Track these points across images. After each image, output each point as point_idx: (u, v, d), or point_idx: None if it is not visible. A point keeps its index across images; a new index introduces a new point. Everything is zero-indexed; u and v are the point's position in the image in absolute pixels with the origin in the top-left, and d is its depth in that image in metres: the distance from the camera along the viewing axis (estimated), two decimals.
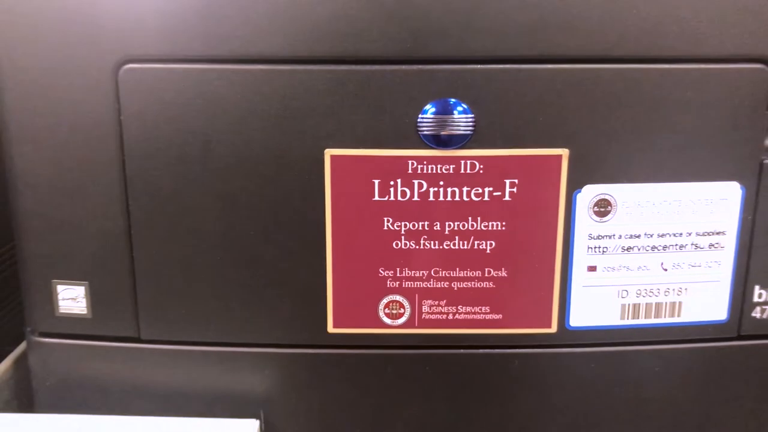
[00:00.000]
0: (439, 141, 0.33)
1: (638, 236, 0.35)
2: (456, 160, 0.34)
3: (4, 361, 0.41)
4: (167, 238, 0.35)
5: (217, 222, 0.35)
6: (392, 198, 0.34)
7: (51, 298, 0.37)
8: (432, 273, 0.35)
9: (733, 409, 0.39)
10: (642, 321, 0.36)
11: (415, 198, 0.34)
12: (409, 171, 0.34)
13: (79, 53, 0.33)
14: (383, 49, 0.32)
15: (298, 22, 0.32)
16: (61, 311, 0.37)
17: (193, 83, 0.33)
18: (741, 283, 0.36)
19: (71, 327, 0.38)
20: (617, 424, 0.39)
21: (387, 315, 0.36)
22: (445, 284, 0.36)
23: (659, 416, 0.39)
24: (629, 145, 0.34)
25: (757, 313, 0.37)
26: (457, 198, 0.34)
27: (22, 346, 0.43)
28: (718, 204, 0.35)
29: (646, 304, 0.36)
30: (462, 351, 0.37)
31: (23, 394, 0.42)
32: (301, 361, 0.37)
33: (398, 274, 0.35)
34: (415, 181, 0.34)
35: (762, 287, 0.37)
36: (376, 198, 0.34)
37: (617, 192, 0.34)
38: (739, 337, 0.37)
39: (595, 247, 0.35)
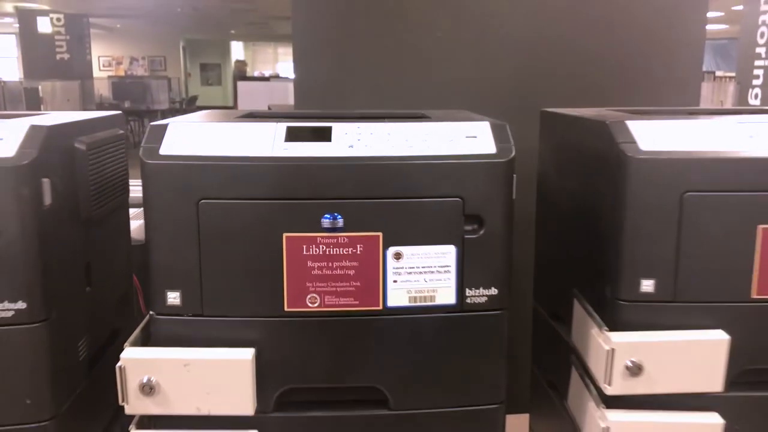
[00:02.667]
0: (330, 230, 0.83)
1: (413, 267, 0.85)
2: (336, 237, 0.83)
3: (137, 329, 0.89)
4: (214, 278, 0.84)
5: (238, 273, 0.84)
6: (312, 253, 0.84)
7: (164, 297, 0.85)
8: (328, 284, 0.85)
9: (460, 355, 0.88)
10: (418, 303, 0.86)
11: (320, 253, 0.84)
12: (318, 242, 0.83)
13: (179, 194, 0.82)
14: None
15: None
16: (168, 303, 0.85)
17: (236, 211, 0.83)
18: (461, 287, 0.86)
19: (171, 311, 0.86)
20: (403, 355, 0.88)
21: (310, 302, 0.85)
22: (334, 289, 0.85)
23: (425, 352, 0.88)
24: (409, 228, 0.84)
25: (468, 300, 0.87)
26: (338, 251, 0.84)
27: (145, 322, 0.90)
28: (444, 256, 0.85)
29: (419, 296, 0.86)
30: (343, 318, 0.86)
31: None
32: (273, 324, 0.86)
33: (314, 285, 0.85)
34: (321, 246, 0.83)
35: (470, 288, 0.87)
36: (304, 253, 0.84)
37: (404, 249, 0.85)
38: (461, 311, 0.87)
39: (394, 270, 0.85)
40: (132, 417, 0.87)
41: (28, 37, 16.44)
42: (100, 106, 13.08)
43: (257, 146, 0.84)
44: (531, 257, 1.33)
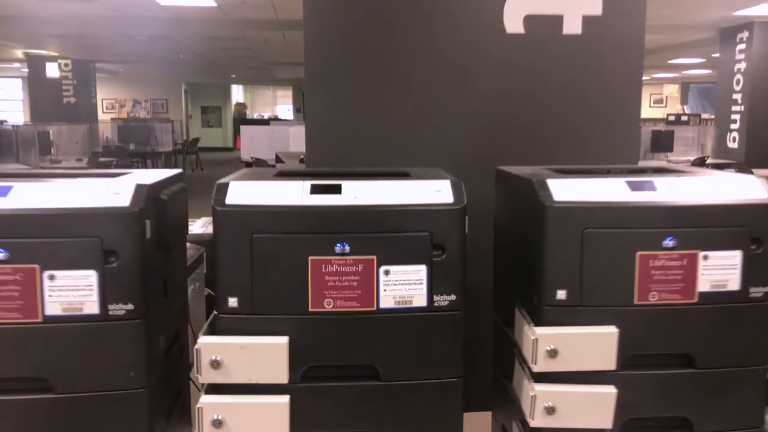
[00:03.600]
0: (341, 254, 1.22)
1: (398, 280, 1.24)
2: (344, 260, 1.22)
3: (205, 324, 1.27)
4: (261, 288, 1.23)
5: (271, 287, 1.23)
6: (328, 270, 1.23)
7: (226, 301, 1.23)
8: (339, 292, 1.23)
9: (430, 342, 1.27)
10: (401, 305, 1.25)
11: (334, 270, 1.23)
12: (332, 263, 1.22)
13: (239, 230, 1.21)
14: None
15: None
16: (229, 305, 1.24)
17: (277, 242, 1.22)
18: (431, 294, 1.25)
19: (230, 311, 1.24)
20: (390, 341, 1.26)
21: (326, 305, 1.24)
22: (343, 295, 1.24)
23: (405, 340, 1.26)
24: (395, 253, 1.23)
25: (435, 303, 1.25)
26: (346, 269, 1.23)
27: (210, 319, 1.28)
28: (419, 273, 1.24)
29: (402, 300, 1.25)
30: (348, 316, 1.25)
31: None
32: (300, 320, 1.24)
33: (329, 292, 1.23)
34: (335, 266, 1.22)
35: (437, 294, 1.25)
36: (323, 270, 1.23)
37: (391, 268, 1.23)
38: (431, 311, 1.26)
39: (384, 282, 1.24)
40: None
41: (36, 81, 17.01)
42: (106, 149, 13.54)
43: (291, 197, 1.24)
44: (491, 277, 1.72)
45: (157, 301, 1.31)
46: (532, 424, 1.29)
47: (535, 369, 1.28)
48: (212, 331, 1.25)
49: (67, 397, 1.20)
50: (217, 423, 1.21)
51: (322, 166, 1.96)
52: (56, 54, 16.74)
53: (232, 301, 1.23)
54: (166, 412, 1.37)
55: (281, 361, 1.22)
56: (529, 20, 2.11)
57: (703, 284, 1.30)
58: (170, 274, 1.40)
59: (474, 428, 1.72)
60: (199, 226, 3.12)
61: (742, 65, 11.37)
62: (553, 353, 1.27)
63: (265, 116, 27.60)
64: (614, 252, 1.28)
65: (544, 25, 2.11)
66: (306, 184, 1.27)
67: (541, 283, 1.30)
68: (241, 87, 29.90)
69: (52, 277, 1.17)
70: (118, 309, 1.20)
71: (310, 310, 1.24)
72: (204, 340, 1.22)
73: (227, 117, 27.57)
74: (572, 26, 2.13)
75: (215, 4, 8.72)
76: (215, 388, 1.24)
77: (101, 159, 11.33)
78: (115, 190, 1.21)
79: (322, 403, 1.26)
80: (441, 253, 1.24)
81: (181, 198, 1.45)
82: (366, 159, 2.00)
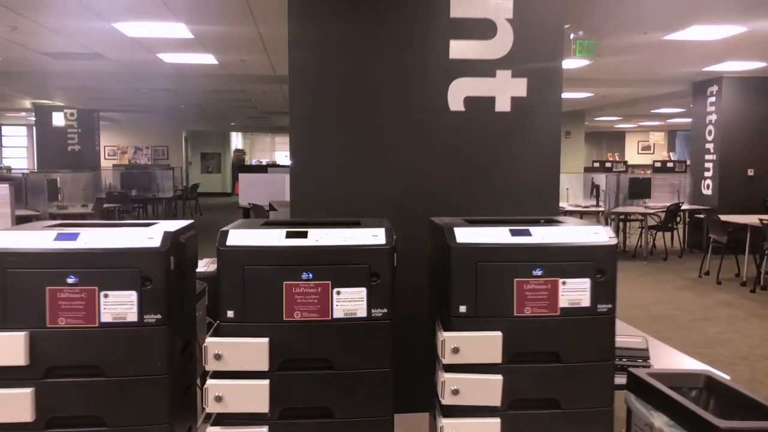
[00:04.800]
0: (306, 280, 1.76)
1: (346, 298, 1.77)
2: (308, 284, 1.76)
3: (210, 331, 1.80)
4: (250, 304, 1.76)
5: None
6: (297, 291, 1.76)
7: (226, 313, 1.76)
8: (305, 307, 1.77)
9: (368, 343, 1.80)
10: (348, 316, 1.78)
11: (301, 291, 1.76)
12: (300, 286, 1.76)
13: (235, 263, 1.75)
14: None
15: None
16: (227, 316, 1.77)
17: (262, 271, 1.76)
18: (369, 307, 1.78)
19: (228, 320, 1.77)
20: (341, 341, 1.79)
21: (296, 315, 1.77)
22: (307, 309, 1.77)
23: (351, 341, 1.79)
24: (344, 279, 1.77)
25: (372, 314, 1.79)
26: (309, 291, 1.76)
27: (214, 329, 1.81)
28: (360, 293, 1.78)
29: (348, 312, 1.78)
30: (311, 324, 1.78)
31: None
32: (277, 327, 1.77)
33: (297, 307, 1.77)
34: (302, 288, 1.76)
35: (373, 308, 1.78)
36: (293, 291, 1.76)
37: (342, 290, 1.77)
38: (369, 320, 1.79)
39: (336, 299, 1.77)
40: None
41: (43, 129, 17.70)
42: (109, 195, 14.12)
43: (272, 240, 1.79)
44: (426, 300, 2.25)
45: (177, 313, 1.84)
46: (443, 402, 1.81)
47: (444, 362, 1.81)
48: (215, 334, 1.78)
49: (114, 379, 1.72)
50: (218, 398, 1.73)
51: (305, 211, 2.53)
52: (62, 104, 17.41)
53: (230, 313, 1.77)
54: (180, 396, 1.89)
55: (263, 355, 1.75)
56: (469, 100, 2.71)
57: (563, 302, 1.84)
58: (185, 295, 1.93)
59: (414, 427, 2.24)
60: (202, 265, 3.66)
61: (713, 116, 12.09)
62: (456, 350, 1.80)
63: (264, 162, 28.30)
64: (499, 279, 1.82)
65: (480, 104, 2.71)
66: (282, 231, 1.82)
67: (448, 301, 1.84)
68: (240, 134, 30.66)
69: (106, 296, 1.71)
70: (150, 318, 1.73)
71: (284, 319, 1.77)
72: (210, 340, 1.75)
73: (226, 163, 28.26)
74: (503, 105, 2.73)
75: (216, 62, 9.42)
76: (216, 375, 1.76)
77: (105, 205, 11.89)
78: (149, 236, 1.76)
79: (293, 385, 1.79)
80: (376, 279, 1.78)
81: (193, 241, 1.99)
82: (337, 207, 2.56)
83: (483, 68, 2.69)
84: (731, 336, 6.49)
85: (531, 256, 1.83)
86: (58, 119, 16.89)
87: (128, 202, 13.66)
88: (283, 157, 28.36)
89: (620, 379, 1.94)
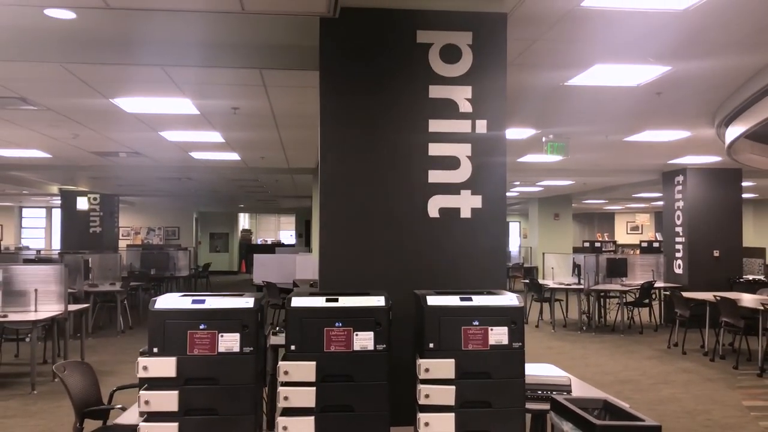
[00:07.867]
0: (339, 327, 2.98)
1: (361, 336, 2.99)
2: (339, 328, 2.98)
3: (282, 356, 3.00)
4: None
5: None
6: (332, 333, 2.98)
7: (290, 347, 2.97)
8: (337, 343, 2.99)
9: (374, 367, 3.00)
10: (364, 349, 2.99)
11: (334, 333, 2.98)
12: (334, 331, 2.98)
13: (298, 317, 2.98)
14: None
15: None
16: (291, 349, 2.98)
17: (315, 322, 2.99)
18: (375, 344, 3.00)
19: (292, 351, 2.98)
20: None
21: (332, 348, 2.98)
22: (339, 344, 2.98)
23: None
24: (358, 325, 2.99)
25: (377, 348, 3.00)
26: (339, 333, 2.98)
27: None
28: (369, 335, 3.00)
29: (363, 347, 2.99)
30: (341, 353, 2.99)
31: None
32: (320, 355, 2.98)
33: (333, 343, 2.98)
34: (335, 331, 2.98)
35: (377, 344, 3.00)
36: (330, 334, 2.98)
37: (359, 333, 2.99)
38: (375, 352, 3.00)
39: (355, 339, 2.99)
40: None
41: (68, 213, 19.08)
42: (132, 273, 15.36)
43: (318, 303, 3.02)
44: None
45: (260, 348, 3.06)
46: (420, 402, 3.00)
47: (420, 377, 3.01)
48: (285, 359, 3.00)
49: (224, 386, 2.92)
50: (286, 398, 2.93)
51: (333, 285, 3.78)
52: (86, 189, 18.81)
53: (293, 347, 2.98)
54: (258, 398, 3.09)
55: (312, 372, 2.95)
56: (442, 210, 3.99)
57: (492, 341, 3.05)
58: (263, 336, 3.16)
59: None
60: None
61: (681, 203, 13.45)
62: (427, 370, 3.00)
63: (269, 241, 29.59)
64: (453, 327, 3.04)
65: (450, 213, 3.99)
66: (323, 298, 3.06)
67: (423, 340, 3.05)
68: (247, 214, 32.10)
69: (222, 336, 2.93)
70: (246, 350, 2.95)
71: (324, 350, 2.99)
72: (282, 363, 2.96)
73: (234, 242, 29.54)
74: (466, 213, 4.00)
75: (239, 158, 10.85)
76: (285, 383, 2.96)
77: (132, 284, 13.11)
78: (246, 301, 3.00)
79: (329, 391, 2.98)
80: (379, 326, 3.01)
81: (266, 305, 3.24)
82: (353, 282, 3.81)
83: (451, 188, 3.98)
84: (682, 396, 7.48)
85: (472, 313, 3.07)
86: (83, 203, 18.24)
87: (148, 280, 14.87)
88: (288, 237, 29.65)
89: (546, 405, 3.12)
